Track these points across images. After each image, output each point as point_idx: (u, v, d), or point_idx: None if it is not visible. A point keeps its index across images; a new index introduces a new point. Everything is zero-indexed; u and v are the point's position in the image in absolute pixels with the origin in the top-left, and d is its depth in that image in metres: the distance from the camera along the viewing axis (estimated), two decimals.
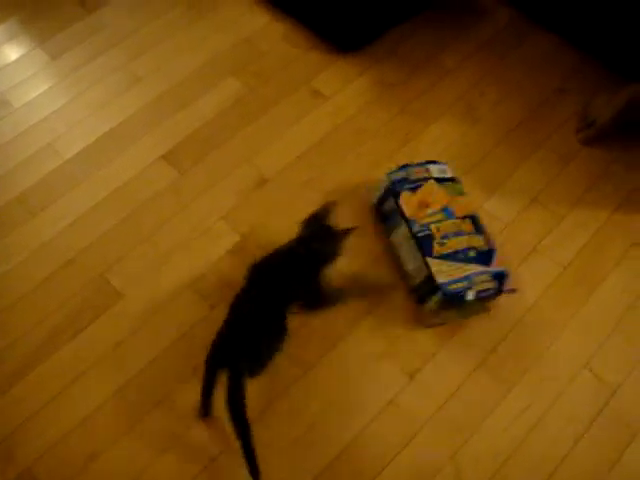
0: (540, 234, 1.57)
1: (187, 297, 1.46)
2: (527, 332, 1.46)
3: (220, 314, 1.39)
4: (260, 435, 1.17)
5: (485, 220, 1.47)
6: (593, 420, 1.36)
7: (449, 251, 1.39)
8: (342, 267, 1.41)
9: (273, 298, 1.25)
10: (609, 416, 1.37)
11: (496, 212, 1.59)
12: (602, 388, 1.40)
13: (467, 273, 1.36)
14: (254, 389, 1.20)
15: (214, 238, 1.53)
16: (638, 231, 1.59)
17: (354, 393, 1.37)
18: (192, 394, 1.29)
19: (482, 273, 1.37)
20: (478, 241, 1.41)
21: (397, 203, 1.45)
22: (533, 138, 1.72)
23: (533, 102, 1.79)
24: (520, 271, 1.52)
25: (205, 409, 1.30)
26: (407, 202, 1.44)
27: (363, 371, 1.39)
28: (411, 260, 1.43)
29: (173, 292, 1.46)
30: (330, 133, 1.70)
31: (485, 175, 1.65)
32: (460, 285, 1.34)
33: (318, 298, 1.37)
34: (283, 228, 1.52)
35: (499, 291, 1.37)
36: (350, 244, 1.35)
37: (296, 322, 1.41)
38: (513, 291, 1.40)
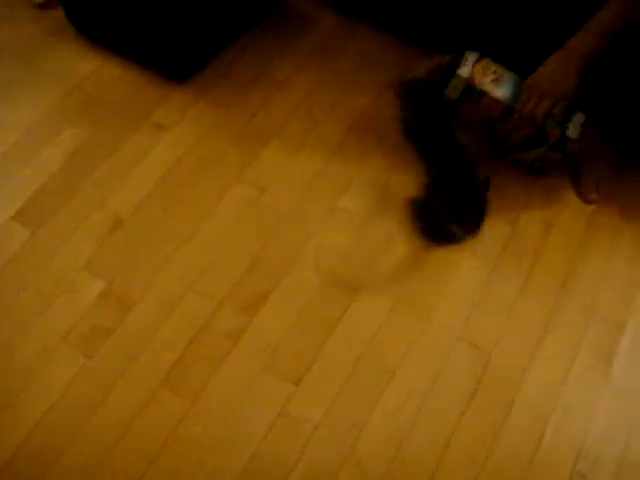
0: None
1: (61, 353, 1.44)
2: (401, 314, 1.52)
3: (98, 362, 1.41)
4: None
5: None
6: (475, 389, 1.43)
7: None
8: None
9: None
10: (488, 382, 1.44)
11: (347, 206, 1.66)
12: (478, 356, 1.47)
13: None
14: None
15: (79, 289, 1.52)
16: None
17: (241, 414, 1.39)
18: None
19: None
20: None
21: None
22: (371, 133, 1.79)
23: (367, 97, 1.86)
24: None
25: None
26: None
27: (247, 389, 1.41)
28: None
29: (46, 351, 1.44)
30: (176, 164, 1.71)
31: (334, 174, 1.70)
32: None
33: None
34: (146, 264, 1.55)
35: None
36: None
37: (177, 354, 1.44)
38: None
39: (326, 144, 1.77)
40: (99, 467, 1.32)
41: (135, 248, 1.58)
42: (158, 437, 1.35)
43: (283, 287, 1.53)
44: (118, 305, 1.50)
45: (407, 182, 1.69)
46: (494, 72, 1.56)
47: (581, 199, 1.70)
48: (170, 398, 1.39)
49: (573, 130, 1.55)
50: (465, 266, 1.59)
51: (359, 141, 1.77)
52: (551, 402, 1.42)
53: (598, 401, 1.43)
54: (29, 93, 1.86)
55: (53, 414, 1.38)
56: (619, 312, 1.54)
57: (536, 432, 1.39)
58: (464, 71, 1.54)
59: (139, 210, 1.64)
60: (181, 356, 1.44)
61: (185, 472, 1.32)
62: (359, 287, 1.54)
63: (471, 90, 1.55)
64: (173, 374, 1.42)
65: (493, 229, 1.64)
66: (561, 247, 1.62)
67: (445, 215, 1.60)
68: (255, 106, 1.83)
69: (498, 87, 1.55)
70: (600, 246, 1.63)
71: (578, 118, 1.56)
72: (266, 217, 1.62)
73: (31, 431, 1.35)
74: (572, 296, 1.56)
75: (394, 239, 1.61)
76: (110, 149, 1.74)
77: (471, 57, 1.57)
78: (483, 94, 1.55)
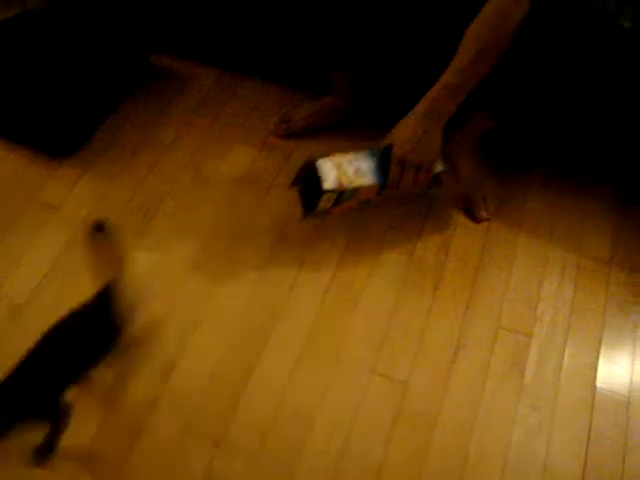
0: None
1: None
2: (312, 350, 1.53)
3: None
4: None
5: None
6: (396, 419, 1.44)
7: None
8: None
9: None
10: (408, 409, 1.46)
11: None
12: (394, 385, 1.49)
13: None
14: None
15: None
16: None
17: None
18: None
19: None
20: None
21: None
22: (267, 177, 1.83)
23: (256, 147, 1.88)
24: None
25: None
26: None
27: (172, 455, 1.39)
28: None
29: None
30: (72, 240, 1.69)
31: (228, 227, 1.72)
32: None
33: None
34: None
35: None
36: None
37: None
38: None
39: (217, 199, 1.78)
40: None
41: (36, 330, 1.53)
42: None
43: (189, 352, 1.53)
44: None
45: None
46: (350, 163, 1.48)
47: (472, 220, 1.75)
48: None
49: (438, 165, 1.54)
50: (367, 304, 1.61)
51: (249, 192, 1.79)
52: (471, 420, 1.45)
53: (515, 414, 1.46)
54: None
55: None
56: (524, 324, 1.58)
57: (461, 451, 1.41)
58: (330, 183, 1.44)
59: (37, 291, 1.60)
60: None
61: None
62: (268, 336, 1.55)
63: (342, 194, 1.49)
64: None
65: (390, 263, 1.67)
66: (460, 269, 1.66)
67: None
68: (144, 172, 1.83)
69: (364, 175, 1.48)
70: (497, 263, 1.68)
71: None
72: (171, 279, 1.62)
73: None
74: (477, 314, 1.59)
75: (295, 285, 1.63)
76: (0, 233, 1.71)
77: (324, 165, 1.46)
78: (357, 190, 1.49)
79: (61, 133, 1.84)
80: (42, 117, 1.80)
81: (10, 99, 1.82)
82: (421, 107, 1.45)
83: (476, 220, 1.75)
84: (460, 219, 1.75)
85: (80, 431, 1.38)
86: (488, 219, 1.75)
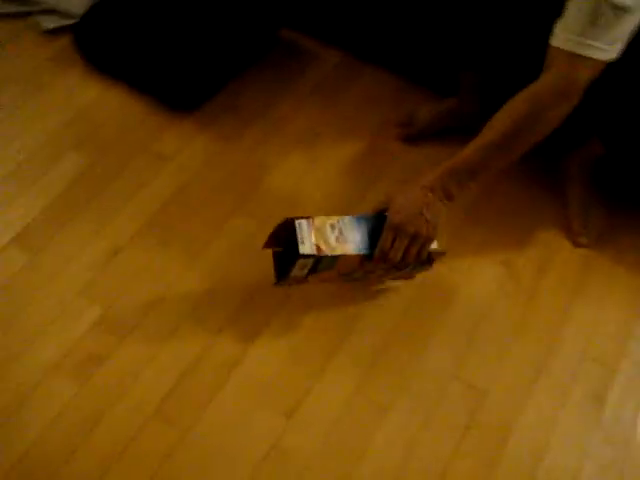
0: None
1: (54, 379, 1.44)
2: (393, 350, 1.52)
3: (90, 390, 1.40)
4: None
5: None
6: (469, 427, 1.43)
7: None
8: None
9: None
10: (482, 420, 1.44)
11: None
12: (472, 394, 1.47)
13: None
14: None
15: (75, 315, 1.52)
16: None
17: (232, 448, 1.38)
18: None
19: None
20: None
21: None
22: (374, 170, 1.81)
23: (369, 135, 1.88)
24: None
25: None
26: None
27: (238, 423, 1.41)
28: None
29: (39, 376, 1.44)
30: (177, 194, 1.73)
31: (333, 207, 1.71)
32: None
33: None
34: (143, 293, 1.55)
35: None
36: None
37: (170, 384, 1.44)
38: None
39: (323, 182, 1.79)
40: None
41: (132, 276, 1.58)
42: (148, 468, 1.34)
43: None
44: (114, 333, 1.49)
45: None
46: (332, 227, 1.36)
47: (572, 243, 1.72)
48: (162, 429, 1.38)
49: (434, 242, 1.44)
50: (458, 309, 1.60)
51: (357, 179, 1.79)
52: (543, 444, 1.42)
53: (589, 446, 1.43)
54: (32, 118, 1.87)
55: (39, 445, 1.36)
56: (612, 357, 1.55)
57: (528, 474, 1.39)
58: (307, 247, 1.31)
59: (137, 239, 1.65)
60: (175, 386, 1.43)
61: None
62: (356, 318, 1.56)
63: (321, 261, 1.35)
64: (166, 404, 1.41)
65: (488, 268, 1.66)
66: (555, 290, 1.64)
67: None
68: (257, 139, 1.85)
69: (346, 242, 1.35)
70: (593, 292, 1.64)
71: None
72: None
73: (16, 462, 1.35)
74: (565, 339, 1.56)
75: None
76: (111, 177, 1.75)
77: (303, 226, 1.33)
78: (337, 257, 1.36)
79: (186, 88, 1.88)
80: (170, 70, 1.84)
81: (143, 48, 1.87)
82: (429, 179, 1.37)
83: (575, 244, 1.72)
84: (563, 242, 1.72)
85: None
86: (587, 246, 1.72)
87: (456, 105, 1.85)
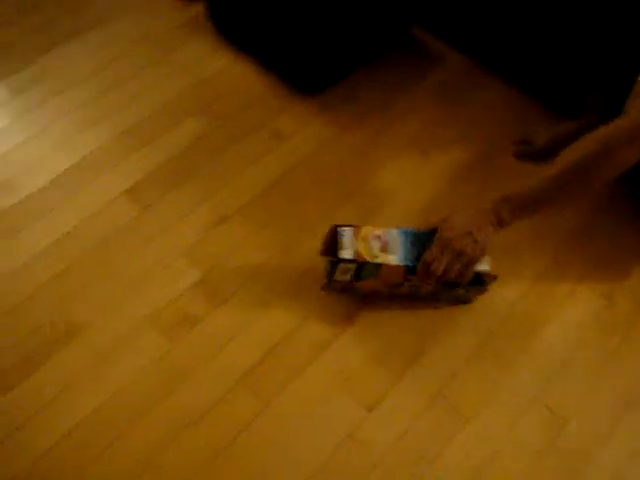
0: None
1: (146, 332, 1.47)
2: (483, 363, 1.51)
3: (180, 349, 1.43)
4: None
5: None
6: (546, 451, 1.40)
7: None
8: None
9: None
10: (561, 446, 1.42)
11: None
12: (554, 420, 1.44)
13: None
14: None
15: (174, 275, 1.55)
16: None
17: (310, 428, 1.39)
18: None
19: None
20: None
21: None
22: (484, 182, 1.79)
23: (484, 146, 1.86)
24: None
25: None
26: None
27: (320, 406, 1.42)
28: None
29: (134, 327, 1.48)
30: (288, 173, 1.75)
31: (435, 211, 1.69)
32: None
33: None
34: (244, 264, 1.57)
35: None
36: None
37: (258, 356, 1.46)
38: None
39: (430, 185, 1.78)
40: (155, 456, 1.34)
41: (235, 246, 1.61)
42: (227, 434, 1.36)
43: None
44: (210, 298, 1.52)
45: None
46: (377, 238, 1.39)
47: None
48: (245, 398, 1.40)
49: (483, 263, 1.42)
50: (551, 335, 1.56)
51: (463, 188, 1.78)
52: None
53: None
54: (159, 78, 1.93)
55: (125, 392, 1.41)
56: None
57: None
58: (348, 252, 1.36)
59: (245, 211, 1.67)
60: (262, 358, 1.45)
61: (247, 471, 1.33)
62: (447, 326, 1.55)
63: (364, 267, 1.40)
64: (252, 374, 1.43)
65: (585, 300, 1.62)
66: None
67: None
68: (373, 132, 1.85)
69: (390, 253, 1.38)
70: None
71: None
72: None
73: (98, 407, 1.39)
74: None
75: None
76: (228, 145, 1.79)
77: (347, 233, 1.38)
78: (379, 266, 1.39)
79: (312, 71, 1.89)
80: (299, 51, 1.86)
81: (274, 26, 1.88)
82: (487, 202, 1.36)
83: None
84: None
85: None
86: None
87: (576, 128, 1.82)
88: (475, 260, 1.37)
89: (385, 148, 1.83)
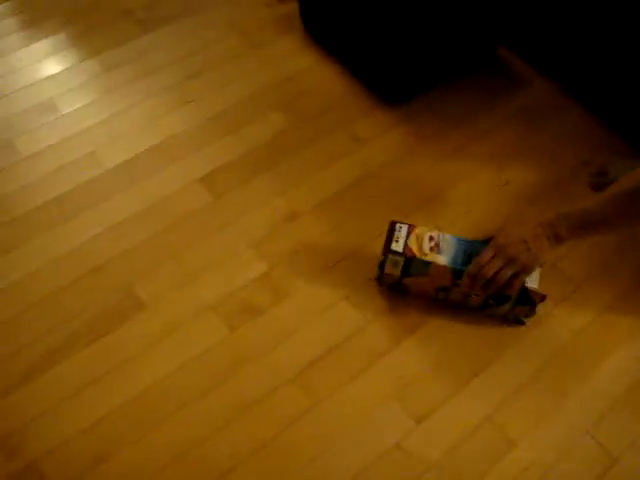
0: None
1: (208, 318, 1.50)
2: (538, 389, 1.49)
3: (239, 338, 1.45)
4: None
5: None
6: None
7: None
8: None
9: None
10: None
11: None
12: (603, 456, 1.42)
13: None
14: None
15: (241, 264, 1.58)
16: None
17: (357, 433, 1.40)
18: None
19: None
20: None
21: None
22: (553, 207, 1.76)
23: (559, 171, 1.85)
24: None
25: None
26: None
27: (369, 412, 1.42)
28: None
29: (195, 311, 1.51)
30: (362, 178, 1.76)
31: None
32: None
33: None
34: (309, 264, 1.59)
35: None
36: None
37: (315, 355, 1.47)
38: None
39: (514, 199, 1.77)
40: (202, 443, 1.36)
41: (303, 244, 1.63)
42: (273, 428, 1.38)
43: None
44: (274, 292, 1.54)
45: None
46: (431, 239, 1.44)
47: None
48: (296, 394, 1.42)
49: (533, 280, 1.43)
50: (611, 368, 1.54)
51: (533, 212, 1.75)
52: None
53: None
54: (245, 70, 1.97)
55: (178, 375, 1.44)
56: None
57: None
58: (399, 245, 1.43)
59: (317, 209, 1.69)
60: (320, 357, 1.47)
61: (288, 467, 1.35)
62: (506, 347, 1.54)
63: (412, 262, 1.44)
64: (306, 372, 1.45)
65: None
66: None
67: None
68: (451, 146, 1.86)
69: (440, 254, 1.42)
70: None
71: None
72: None
73: (152, 385, 1.42)
74: None
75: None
76: (305, 144, 1.81)
77: (402, 229, 1.45)
78: (428, 264, 1.42)
79: (396, 81, 1.90)
80: (385, 60, 1.87)
81: (363, 32, 1.89)
82: (547, 216, 1.36)
83: None
84: None
85: None
86: None
87: None
88: (527, 269, 1.37)
89: (461, 164, 1.82)
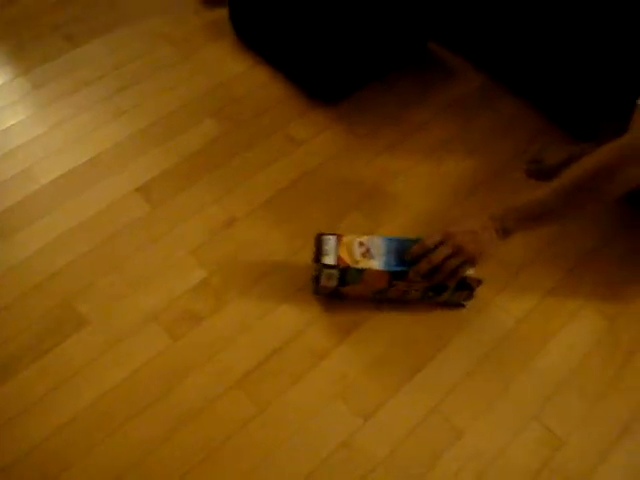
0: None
1: (151, 328, 1.49)
2: (482, 377, 1.51)
3: (182, 347, 1.45)
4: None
5: None
6: (540, 470, 1.40)
7: None
8: None
9: None
10: (555, 468, 1.41)
11: None
12: (550, 440, 1.44)
13: None
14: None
15: (181, 272, 1.57)
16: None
17: (304, 435, 1.40)
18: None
19: None
20: None
21: None
22: (494, 196, 1.79)
23: (497, 161, 1.87)
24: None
25: None
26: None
27: (315, 412, 1.42)
28: None
29: (137, 322, 1.50)
30: (299, 179, 1.76)
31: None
32: None
33: None
34: (250, 267, 1.59)
35: None
36: None
37: (258, 360, 1.47)
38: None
39: (441, 197, 1.78)
40: (149, 453, 1.35)
41: (243, 248, 1.63)
42: (219, 434, 1.38)
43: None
44: (214, 298, 1.54)
45: None
46: (360, 244, 1.44)
47: None
48: (242, 399, 1.41)
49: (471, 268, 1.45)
50: (552, 354, 1.56)
51: (473, 201, 1.78)
52: None
53: None
54: (177, 79, 1.96)
55: (124, 386, 1.42)
56: None
57: None
58: (330, 257, 1.42)
59: (255, 212, 1.69)
60: (262, 362, 1.46)
61: (238, 471, 1.34)
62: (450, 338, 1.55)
63: (346, 273, 1.44)
64: (250, 377, 1.44)
65: (589, 321, 1.61)
66: None
67: None
68: (387, 143, 1.87)
69: (373, 258, 1.43)
70: None
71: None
72: None
73: (95, 400, 1.41)
74: None
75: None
76: (241, 149, 1.81)
77: (330, 241, 1.44)
78: (362, 271, 1.42)
79: (329, 80, 1.91)
80: (317, 59, 1.87)
81: (292, 34, 1.90)
82: (497, 209, 1.38)
83: None
84: None
85: None
86: None
87: (590, 150, 1.82)
88: (472, 260, 1.39)
89: (398, 159, 1.84)
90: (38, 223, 1.65)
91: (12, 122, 1.84)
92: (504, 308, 1.59)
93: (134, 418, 1.38)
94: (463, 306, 1.58)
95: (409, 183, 1.79)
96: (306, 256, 1.56)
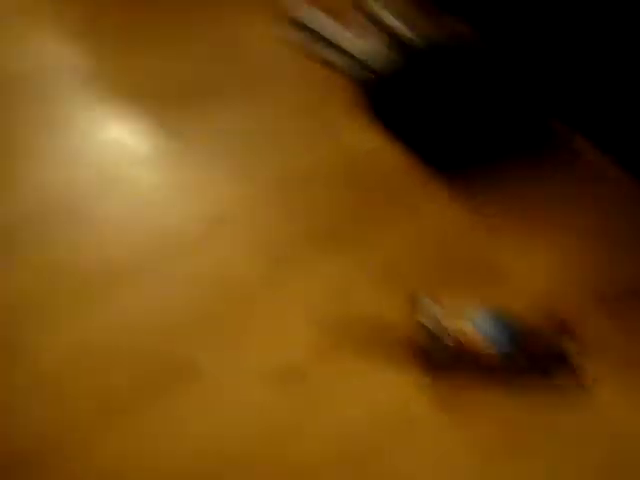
0: None
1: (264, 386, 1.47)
2: None
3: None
4: None
5: None
6: None
7: None
8: None
9: None
10: None
11: None
12: None
13: None
14: None
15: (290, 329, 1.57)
16: None
17: None
18: None
19: None
20: None
21: None
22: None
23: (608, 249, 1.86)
24: None
25: None
26: None
27: None
28: None
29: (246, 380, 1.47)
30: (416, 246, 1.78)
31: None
32: None
33: None
34: (360, 330, 1.59)
35: None
36: None
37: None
38: None
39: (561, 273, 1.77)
40: None
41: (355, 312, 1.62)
42: None
43: None
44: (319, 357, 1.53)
45: None
46: (474, 324, 1.49)
47: None
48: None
49: None
50: None
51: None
52: None
53: None
54: (303, 145, 2.00)
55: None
56: None
57: None
58: (444, 336, 1.46)
59: (369, 280, 1.69)
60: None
61: None
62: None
63: (459, 353, 1.48)
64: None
65: None
66: None
67: None
68: (504, 220, 1.88)
69: (485, 338, 1.47)
70: None
71: None
72: None
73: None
74: None
75: None
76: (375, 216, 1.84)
77: (443, 316, 1.49)
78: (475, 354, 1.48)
79: (453, 153, 1.98)
80: (443, 137, 1.95)
81: (422, 111, 1.99)
82: None
83: None
84: None
85: None
86: None
87: None
88: None
89: (517, 241, 1.83)
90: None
91: None
92: None
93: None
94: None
95: (526, 269, 1.78)
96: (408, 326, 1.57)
